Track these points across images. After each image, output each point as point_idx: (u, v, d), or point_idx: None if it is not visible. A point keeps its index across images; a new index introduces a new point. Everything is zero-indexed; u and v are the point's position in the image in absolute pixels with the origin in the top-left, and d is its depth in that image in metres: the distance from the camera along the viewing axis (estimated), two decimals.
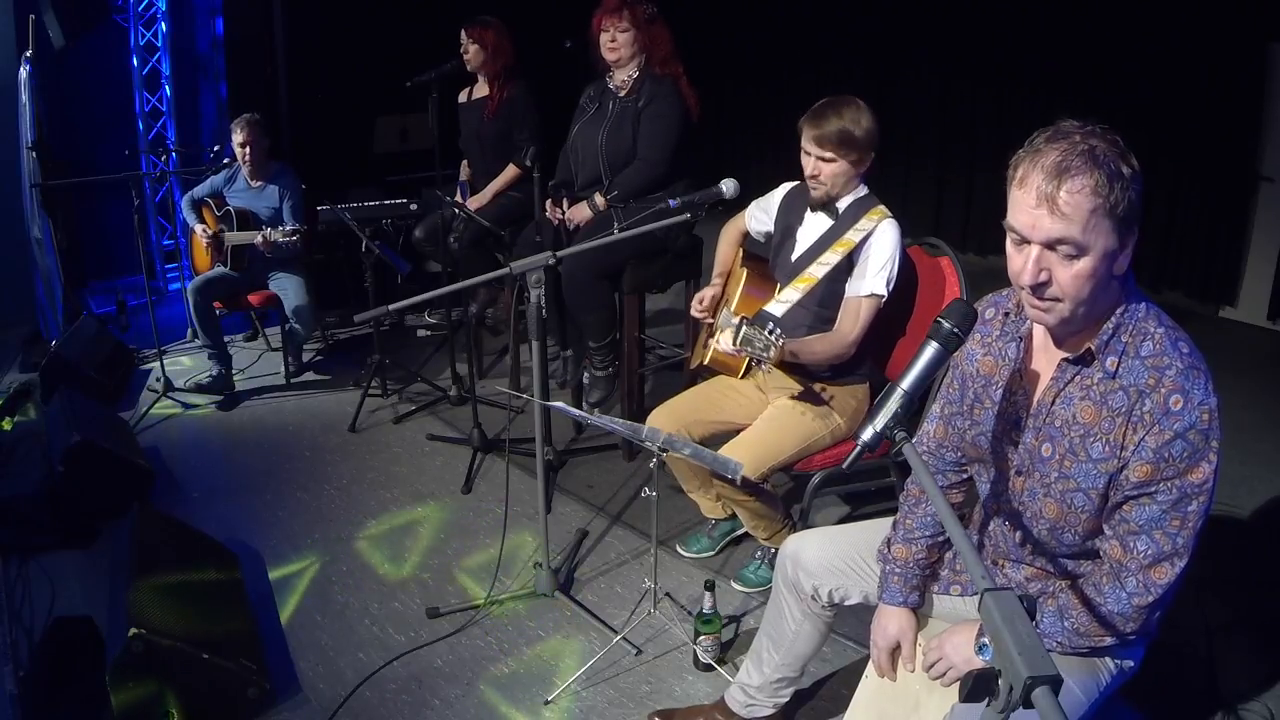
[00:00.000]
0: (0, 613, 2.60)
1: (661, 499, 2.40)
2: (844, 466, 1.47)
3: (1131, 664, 1.55)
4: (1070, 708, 1.46)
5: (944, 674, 1.56)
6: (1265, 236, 4.58)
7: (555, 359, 4.04)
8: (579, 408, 3.17)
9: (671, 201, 2.59)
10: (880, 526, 1.81)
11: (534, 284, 2.32)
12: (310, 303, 4.14)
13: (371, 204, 4.82)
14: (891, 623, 1.68)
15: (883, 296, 2.36)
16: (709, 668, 2.37)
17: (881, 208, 2.39)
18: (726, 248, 2.80)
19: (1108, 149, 1.26)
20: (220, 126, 5.51)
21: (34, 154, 4.27)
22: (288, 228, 3.86)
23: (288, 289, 4.09)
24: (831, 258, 2.38)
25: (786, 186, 2.60)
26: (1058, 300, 1.31)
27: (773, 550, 2.62)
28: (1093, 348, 1.37)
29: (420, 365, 4.40)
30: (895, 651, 1.69)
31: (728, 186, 2.56)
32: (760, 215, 2.69)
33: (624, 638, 2.46)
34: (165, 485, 3.35)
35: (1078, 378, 1.40)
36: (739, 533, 2.88)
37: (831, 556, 1.83)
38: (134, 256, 4.26)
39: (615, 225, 3.06)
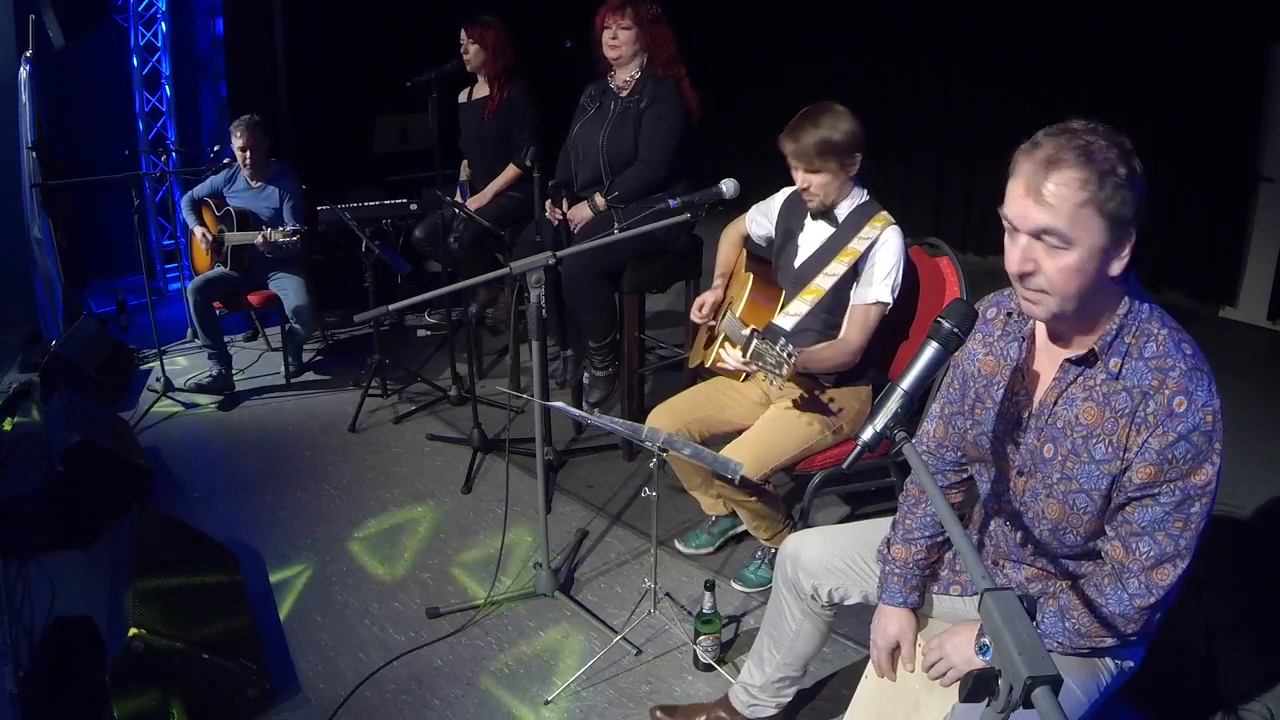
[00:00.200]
0: (0, 613, 2.60)
1: (661, 499, 2.40)
2: (844, 466, 1.47)
3: (1132, 664, 1.55)
4: (1070, 708, 1.46)
5: (944, 674, 1.56)
6: (1265, 236, 4.58)
7: (555, 359, 4.04)
8: (579, 408, 3.17)
9: (671, 201, 2.59)
10: (880, 526, 1.81)
11: (534, 284, 2.32)
12: (310, 303, 4.13)
13: (371, 204, 4.83)
14: (891, 623, 1.68)
15: (888, 304, 2.36)
16: (709, 668, 2.37)
17: (884, 214, 2.39)
18: (728, 249, 2.80)
19: (1107, 147, 1.26)
20: (220, 126, 5.51)
21: (34, 154, 4.27)
22: (288, 228, 3.86)
23: (288, 289, 4.09)
24: (837, 268, 2.38)
25: (786, 191, 2.60)
26: (1045, 293, 1.32)
27: (773, 550, 2.61)
28: (1096, 348, 1.37)
29: (420, 365, 4.40)
30: (895, 652, 1.69)
31: (728, 187, 2.56)
32: (761, 220, 2.69)
33: (624, 638, 2.46)
34: (165, 485, 3.35)
35: (1080, 378, 1.40)
36: (739, 529, 2.88)
37: (831, 556, 1.83)
38: (134, 256, 4.26)
39: (615, 225, 3.06)
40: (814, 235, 2.49)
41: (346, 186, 5.23)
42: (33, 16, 4.29)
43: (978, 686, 0.97)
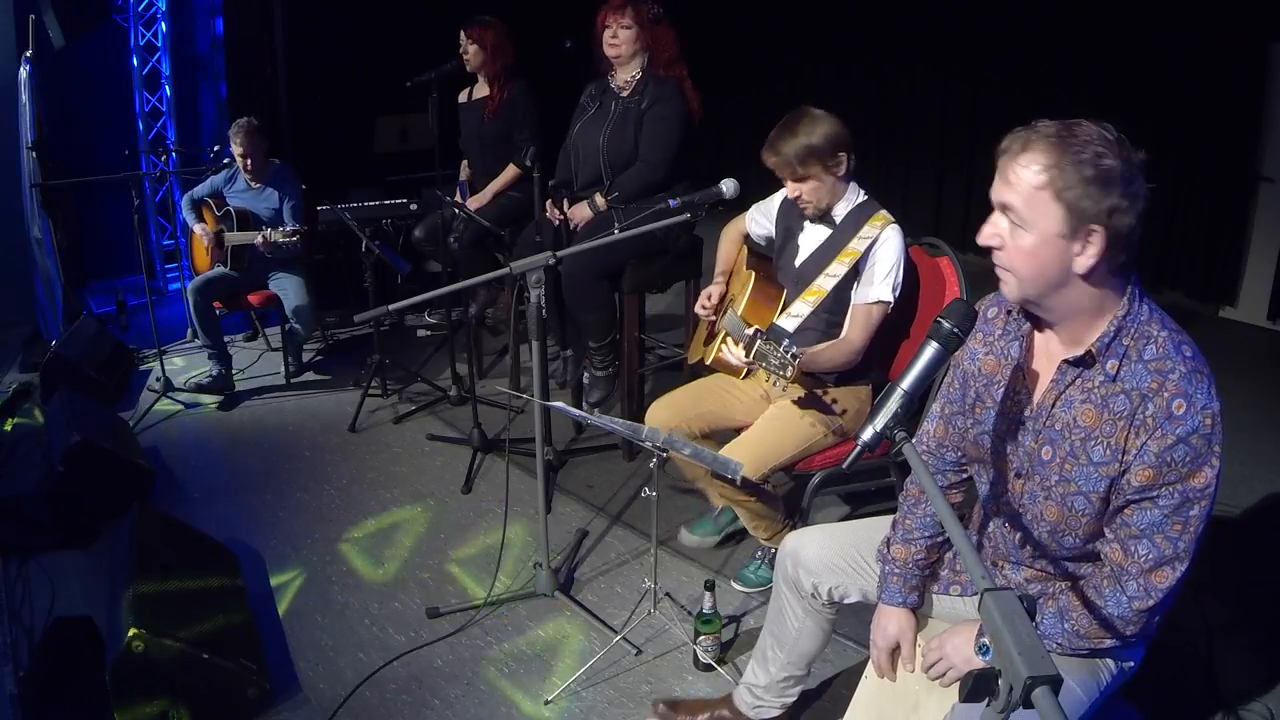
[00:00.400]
0: (0, 613, 2.60)
1: (661, 499, 2.40)
2: (844, 466, 1.47)
3: (1132, 664, 1.55)
4: (1070, 708, 1.46)
5: (944, 674, 1.56)
6: (1265, 236, 4.58)
7: (555, 359, 4.04)
8: (579, 408, 3.17)
9: (671, 201, 2.59)
10: (880, 524, 1.81)
11: (534, 284, 2.32)
12: (310, 303, 4.13)
13: (371, 204, 4.82)
14: (891, 623, 1.68)
15: (889, 303, 2.36)
16: (709, 668, 2.37)
17: (883, 213, 2.39)
18: (729, 246, 2.80)
19: (1088, 143, 1.26)
20: (220, 126, 5.50)
21: (34, 154, 4.27)
22: (288, 228, 3.86)
23: (288, 289, 4.09)
24: (838, 269, 2.38)
25: (785, 191, 2.60)
26: (1008, 271, 1.37)
27: (773, 550, 2.61)
28: (1093, 350, 1.37)
29: (420, 365, 4.40)
30: (895, 652, 1.69)
31: (728, 186, 2.56)
32: (760, 220, 2.69)
33: (624, 638, 2.46)
34: (165, 485, 3.35)
35: (1079, 380, 1.40)
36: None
37: (831, 554, 1.83)
38: (134, 256, 4.25)
39: (615, 225, 3.06)
40: (813, 235, 2.49)
41: (346, 186, 5.23)
42: (33, 16, 4.28)
43: (978, 686, 0.97)
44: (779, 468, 2.43)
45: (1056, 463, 1.43)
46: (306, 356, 4.59)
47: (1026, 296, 1.38)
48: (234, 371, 4.23)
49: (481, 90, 4.14)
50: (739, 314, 2.45)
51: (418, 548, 2.99)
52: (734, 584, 2.70)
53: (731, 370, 2.55)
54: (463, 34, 3.99)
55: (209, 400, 4.07)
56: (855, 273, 2.39)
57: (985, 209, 1.40)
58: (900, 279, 2.36)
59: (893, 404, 1.31)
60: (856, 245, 2.37)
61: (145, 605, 2.20)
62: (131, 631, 2.08)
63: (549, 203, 3.51)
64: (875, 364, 2.52)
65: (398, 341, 4.72)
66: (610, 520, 3.09)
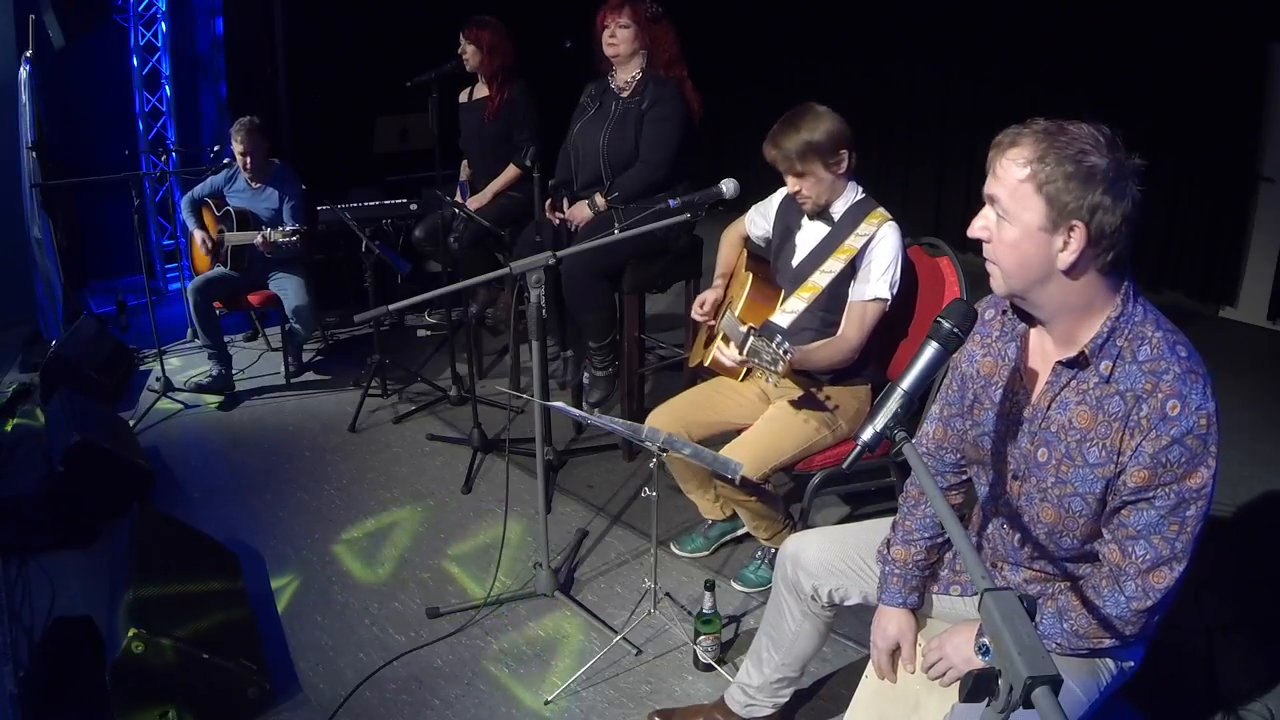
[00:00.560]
0: (0, 613, 2.60)
1: (661, 499, 2.40)
2: (844, 467, 1.47)
3: (1131, 664, 1.55)
4: (1070, 708, 1.46)
5: (944, 674, 1.56)
6: (1265, 236, 4.58)
7: (555, 359, 4.04)
8: (579, 408, 3.17)
9: (671, 201, 2.59)
10: (880, 526, 1.81)
11: (534, 284, 2.32)
12: (310, 303, 4.13)
13: (371, 204, 4.82)
14: (891, 624, 1.68)
15: (886, 301, 2.36)
16: (709, 668, 2.37)
17: (881, 211, 2.39)
18: (729, 249, 2.80)
19: (1075, 140, 1.27)
20: (220, 126, 5.50)
21: (34, 154, 4.27)
22: (288, 228, 3.86)
23: (288, 289, 4.09)
24: (834, 265, 2.38)
25: (784, 191, 2.60)
26: (994, 264, 1.39)
27: (773, 550, 2.61)
28: (1086, 351, 1.37)
29: (420, 365, 4.40)
30: (895, 652, 1.69)
31: (728, 187, 2.56)
32: (759, 220, 2.69)
33: (624, 638, 2.46)
34: (165, 485, 3.35)
35: (1073, 382, 1.40)
36: (737, 533, 2.88)
37: (831, 557, 1.83)
38: (134, 256, 4.25)
39: (615, 225, 3.06)
40: (811, 234, 2.49)
41: (346, 186, 5.22)
42: (33, 16, 4.28)
43: (978, 686, 0.97)
44: (779, 467, 2.43)
45: (1052, 464, 1.43)
46: (306, 356, 4.59)
47: (1013, 290, 1.39)
48: (234, 371, 4.23)
49: (481, 90, 4.13)
50: (736, 315, 2.46)
51: (418, 548, 2.99)
52: (734, 584, 2.70)
53: (729, 371, 2.55)
54: (461, 35, 3.99)
55: (209, 400, 4.07)
56: (852, 270, 2.39)
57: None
58: (898, 277, 2.36)
59: (893, 404, 1.31)
60: (853, 242, 2.37)
61: (145, 605, 2.20)
62: (131, 632, 2.08)
63: (548, 203, 3.51)
64: (873, 363, 2.52)
65: (398, 341, 4.72)
66: (610, 520, 3.09)
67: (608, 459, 3.48)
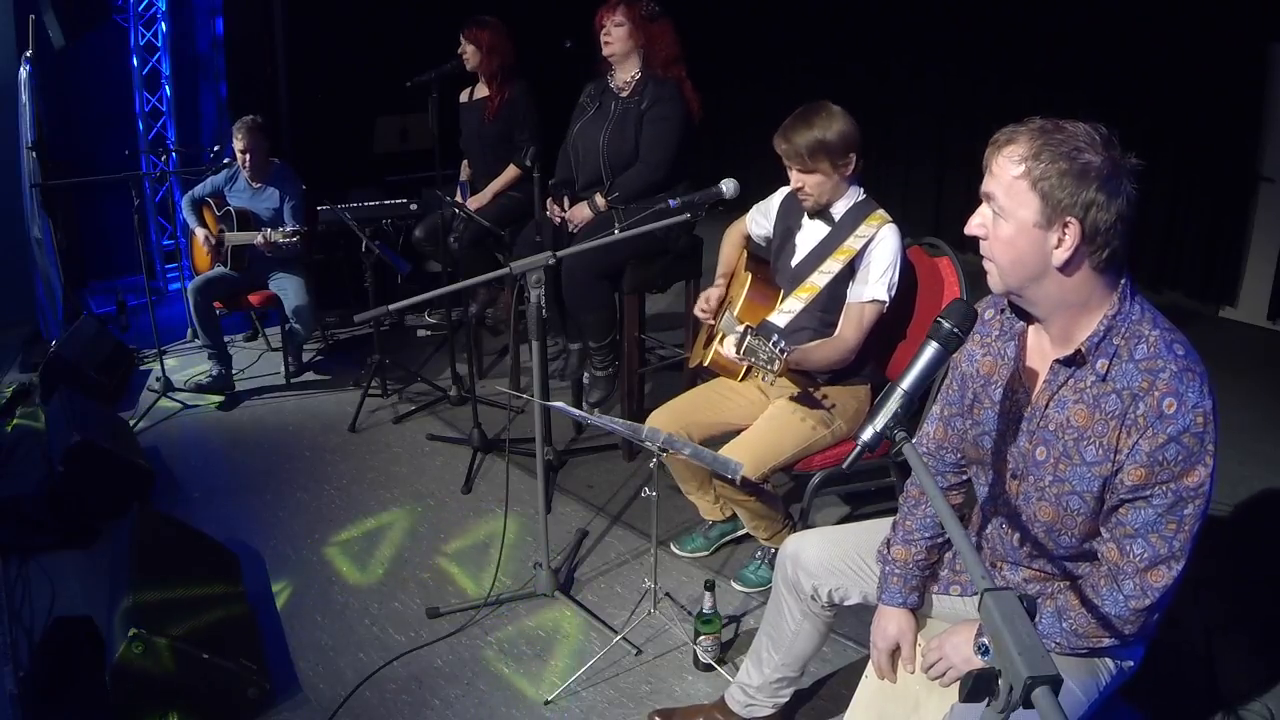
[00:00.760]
0: (0, 613, 2.60)
1: (661, 499, 2.40)
2: (844, 466, 1.47)
3: (1131, 664, 1.55)
4: (1070, 708, 1.46)
5: (944, 674, 1.56)
6: (1265, 236, 4.58)
7: (555, 358, 4.04)
8: (579, 407, 3.17)
9: (671, 201, 2.59)
10: (880, 527, 1.81)
11: (534, 284, 2.32)
12: (310, 303, 4.13)
13: (371, 204, 4.82)
14: (891, 624, 1.68)
15: (884, 302, 2.36)
16: (709, 668, 2.37)
17: (881, 212, 2.39)
18: (730, 249, 2.80)
19: (1070, 137, 1.28)
20: (220, 126, 5.51)
21: (34, 154, 4.27)
22: (288, 228, 3.86)
23: (288, 289, 4.09)
24: (833, 265, 2.38)
25: (785, 190, 2.60)
26: (990, 261, 1.39)
27: (773, 550, 2.61)
28: (1083, 349, 1.37)
29: (420, 365, 4.40)
30: (895, 652, 1.69)
31: (728, 187, 2.56)
32: (760, 220, 2.69)
33: (624, 638, 2.46)
34: (165, 485, 3.35)
35: (1071, 380, 1.40)
36: (737, 534, 2.88)
37: (831, 557, 1.83)
38: (134, 256, 4.25)
39: (615, 225, 3.06)
40: (811, 234, 2.49)
41: (346, 186, 5.23)
42: (33, 16, 4.28)
43: (978, 686, 0.97)
44: (779, 467, 2.43)
45: (1050, 463, 1.43)
46: (306, 356, 4.59)
47: (1009, 287, 1.40)
48: (234, 371, 4.23)
49: (482, 90, 4.14)
50: (735, 314, 2.46)
51: (418, 548, 2.99)
52: (734, 584, 2.70)
53: (729, 370, 2.55)
54: (461, 35, 3.99)
55: (209, 400, 4.07)
56: (850, 270, 2.39)
57: None
58: (896, 279, 2.36)
59: (893, 404, 1.31)
60: (852, 243, 2.37)
61: (145, 605, 2.20)
62: (131, 632, 2.08)
63: (549, 201, 3.51)
64: (872, 363, 2.52)
65: (398, 341, 4.72)
66: (610, 520, 3.09)
67: (608, 459, 3.48)
